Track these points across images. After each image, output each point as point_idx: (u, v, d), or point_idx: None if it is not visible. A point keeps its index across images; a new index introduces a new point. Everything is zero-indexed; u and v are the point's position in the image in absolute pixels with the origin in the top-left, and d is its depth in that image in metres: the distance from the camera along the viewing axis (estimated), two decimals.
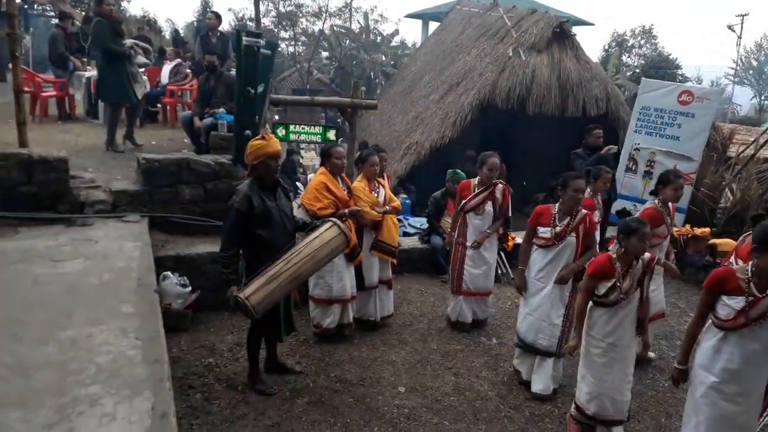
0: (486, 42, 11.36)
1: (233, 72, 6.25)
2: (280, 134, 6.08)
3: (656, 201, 4.82)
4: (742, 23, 20.93)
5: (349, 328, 5.31)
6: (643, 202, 7.51)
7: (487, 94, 9.72)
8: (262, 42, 5.56)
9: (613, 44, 28.83)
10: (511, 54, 10.03)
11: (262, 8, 20.39)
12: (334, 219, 4.25)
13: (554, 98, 9.75)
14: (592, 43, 50.07)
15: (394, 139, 11.43)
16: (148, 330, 3.42)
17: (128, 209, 5.57)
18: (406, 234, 8.00)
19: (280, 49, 24.96)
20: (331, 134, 6.26)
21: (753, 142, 9.11)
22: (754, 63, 29.43)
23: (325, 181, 4.99)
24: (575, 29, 19.96)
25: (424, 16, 23.77)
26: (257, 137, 4.17)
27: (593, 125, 7.73)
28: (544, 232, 4.41)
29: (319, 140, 6.34)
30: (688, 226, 7.36)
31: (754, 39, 31.67)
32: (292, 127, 6.29)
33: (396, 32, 26.35)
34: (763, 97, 28.60)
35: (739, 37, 21.02)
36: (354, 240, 4.96)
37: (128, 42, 7.58)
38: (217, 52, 7.68)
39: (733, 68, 26.42)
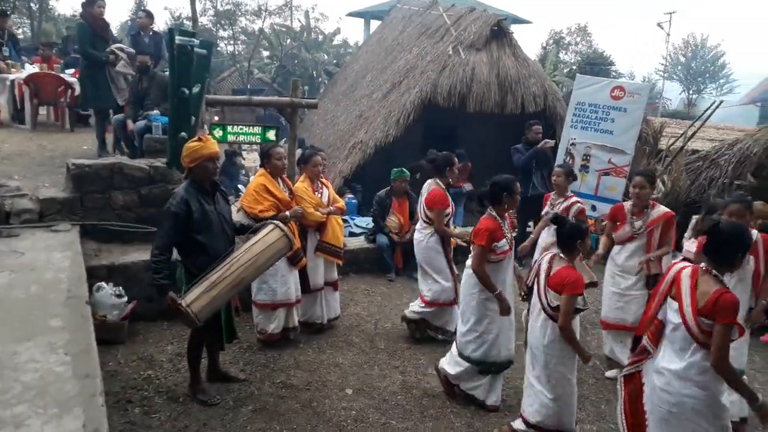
0: (426, 40, 11.45)
1: (168, 72, 6.05)
2: (217, 135, 5.92)
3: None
4: (670, 21, 21.99)
5: (294, 332, 5.23)
6: (582, 195, 7.75)
7: (429, 93, 9.79)
8: (196, 41, 5.40)
9: (551, 42, 29.65)
10: (451, 52, 10.14)
11: (199, 6, 19.94)
12: (275, 221, 4.17)
13: (494, 96, 9.91)
14: (530, 41, 51.67)
15: (339, 139, 11.38)
16: (78, 344, 3.26)
17: (57, 218, 5.32)
18: (352, 234, 7.98)
19: (218, 48, 24.47)
20: (271, 134, 6.14)
21: (681, 134, 9.51)
22: (682, 59, 30.90)
23: (264, 182, 4.88)
24: (513, 27, 20.44)
25: (366, 15, 23.80)
26: (194, 139, 4.05)
27: (533, 121, 7.96)
28: (502, 245, 4.07)
29: (259, 141, 6.22)
30: None
31: (681, 36, 33.23)
32: (229, 128, 6.13)
33: (338, 31, 26.31)
34: (691, 92, 30.08)
35: (668, 35, 22.08)
36: (297, 244, 4.88)
37: (112, 47, 7.30)
38: (149, 52, 7.41)
39: (663, 64, 27.68)
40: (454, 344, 4.47)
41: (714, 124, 15.55)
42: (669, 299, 3.05)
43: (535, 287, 3.70)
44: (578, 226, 3.69)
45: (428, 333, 5.43)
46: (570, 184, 5.84)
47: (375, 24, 21.17)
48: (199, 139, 3.97)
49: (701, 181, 7.87)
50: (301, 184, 5.24)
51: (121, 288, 4.95)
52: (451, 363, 4.38)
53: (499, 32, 10.33)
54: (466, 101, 9.85)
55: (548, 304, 3.57)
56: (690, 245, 5.24)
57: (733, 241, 2.94)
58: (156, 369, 4.56)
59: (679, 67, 30.35)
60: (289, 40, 24.33)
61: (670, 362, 2.97)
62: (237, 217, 4.59)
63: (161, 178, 5.70)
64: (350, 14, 24.83)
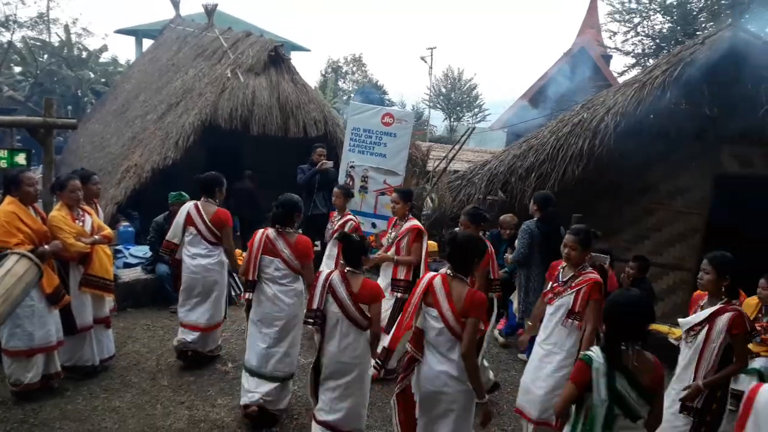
0: (204, 62, 11.17)
1: None
2: None
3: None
4: (431, 55, 24.55)
5: (57, 379, 4.63)
6: (362, 214, 8.21)
7: (209, 115, 9.53)
8: None
9: (329, 70, 31.00)
10: (230, 75, 10.03)
11: None
12: (19, 251, 3.68)
13: (276, 119, 10.03)
14: (310, 68, 53.31)
15: (110, 162, 10.46)
16: None
17: None
18: (127, 265, 7.37)
19: None
20: (21, 158, 5.42)
21: (444, 157, 10.66)
22: (443, 90, 34.68)
23: (15, 211, 4.28)
24: (293, 54, 20.96)
25: (137, 33, 22.34)
26: None
27: (318, 144, 8.32)
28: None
29: (5, 165, 5.43)
30: None
31: (442, 69, 37.28)
32: None
33: (105, 48, 24.24)
34: (452, 119, 33.85)
35: (431, 68, 24.60)
36: (55, 279, 4.36)
37: None
38: None
39: (427, 94, 30.73)
40: (247, 376, 4.37)
41: (471, 147, 17.75)
42: (425, 306, 3.33)
43: (334, 305, 3.72)
44: (361, 242, 3.90)
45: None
46: (347, 203, 6.17)
47: (147, 43, 19.98)
48: None
49: (461, 197, 8.87)
50: (58, 213, 4.64)
51: None
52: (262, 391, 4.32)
53: (277, 58, 10.50)
54: (249, 124, 9.80)
55: (362, 316, 3.68)
56: None
57: (468, 249, 3.35)
58: None
59: (441, 97, 34.01)
60: (46, 56, 21.73)
61: (440, 365, 3.25)
62: None
63: None
64: (119, 31, 23.04)
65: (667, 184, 7.88)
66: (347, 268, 3.78)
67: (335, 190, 6.19)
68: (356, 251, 3.81)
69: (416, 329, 3.36)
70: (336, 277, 3.76)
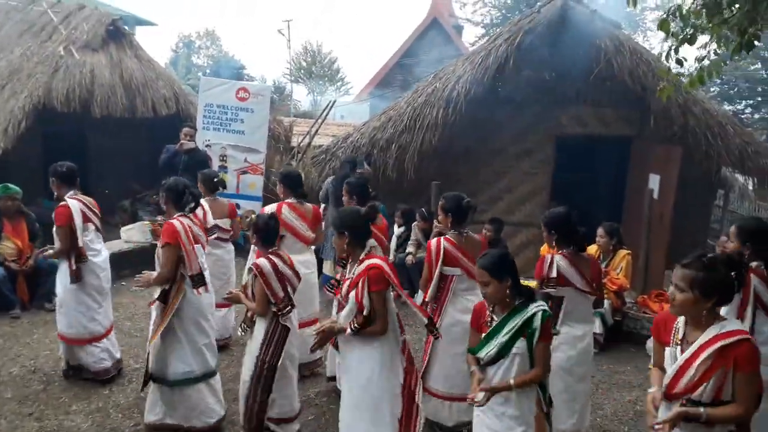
0: (32, 39, 9.99)
1: None
2: None
3: None
4: (288, 28, 23.94)
5: None
6: (224, 195, 7.89)
7: (42, 97, 8.59)
8: None
9: (181, 45, 29.28)
10: (63, 53, 9.09)
11: None
12: None
13: (121, 99, 9.27)
14: (159, 44, 49.76)
15: None
16: None
17: None
18: None
19: None
20: None
21: (308, 132, 10.54)
22: (304, 64, 34.14)
23: None
24: (138, 29, 19.47)
25: None
26: None
27: (186, 124, 7.78)
28: None
29: None
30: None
31: (300, 42, 36.63)
32: None
33: None
34: (315, 93, 33.50)
35: (289, 41, 24.01)
36: None
37: None
38: None
39: (288, 68, 30.12)
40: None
41: (336, 122, 17.73)
42: None
43: None
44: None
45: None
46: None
47: None
48: None
49: (327, 172, 8.84)
50: None
51: None
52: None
53: (116, 32, 9.69)
54: (90, 106, 8.98)
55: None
56: None
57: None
58: None
59: (302, 71, 33.46)
60: None
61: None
62: None
63: None
64: None
65: (515, 147, 8.42)
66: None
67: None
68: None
69: None
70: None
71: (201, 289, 3.86)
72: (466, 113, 7.73)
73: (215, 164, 7.99)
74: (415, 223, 7.11)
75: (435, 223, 4.37)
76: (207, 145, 8.03)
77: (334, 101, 11.03)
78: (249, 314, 3.78)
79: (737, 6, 3.92)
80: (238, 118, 8.03)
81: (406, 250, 7.01)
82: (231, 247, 5.59)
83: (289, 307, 3.71)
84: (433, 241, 4.01)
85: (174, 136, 7.60)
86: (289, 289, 3.73)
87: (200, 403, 3.96)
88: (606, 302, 5.62)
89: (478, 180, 8.49)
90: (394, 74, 19.85)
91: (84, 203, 4.61)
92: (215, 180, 5.43)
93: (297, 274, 3.87)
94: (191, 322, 3.88)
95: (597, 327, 5.52)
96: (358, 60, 62.10)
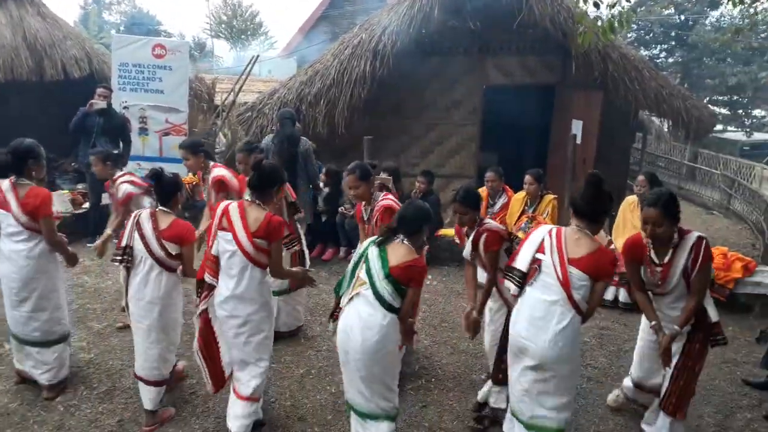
0: None
1: None
2: None
3: None
4: None
5: None
6: (147, 159, 7.58)
7: None
8: None
9: (90, 1, 27.28)
10: None
11: None
12: None
13: (26, 61, 8.60)
14: (66, 1, 45.60)
15: None
16: None
17: None
18: None
19: None
20: None
21: (232, 89, 10.17)
22: (224, 18, 32.58)
23: None
24: None
25: None
26: None
27: (101, 85, 7.26)
28: None
29: None
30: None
31: None
32: None
33: None
34: (238, 49, 32.18)
35: None
36: None
37: None
38: None
39: (208, 23, 28.69)
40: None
41: (262, 78, 17.17)
42: (220, 232, 3.33)
43: (139, 242, 3.56)
44: (175, 180, 3.73)
45: None
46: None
47: None
48: None
49: (254, 130, 8.59)
50: None
51: None
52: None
53: None
54: None
55: (166, 255, 3.55)
56: None
57: (270, 177, 3.44)
58: None
59: (223, 26, 31.98)
60: None
61: (232, 289, 3.28)
62: None
63: None
64: None
65: (444, 100, 8.46)
66: (158, 207, 3.65)
67: (92, 158, 5.07)
68: (169, 189, 3.67)
69: (212, 256, 3.37)
70: (144, 214, 3.63)
71: None
72: (395, 66, 7.66)
73: (135, 126, 7.59)
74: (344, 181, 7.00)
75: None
76: (125, 107, 7.60)
77: (257, 56, 10.64)
78: None
79: None
80: (156, 76, 7.63)
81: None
82: None
83: None
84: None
85: (90, 99, 7.15)
86: None
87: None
88: None
89: (409, 134, 8.50)
90: (320, 26, 19.31)
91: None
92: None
93: None
94: None
95: None
96: (281, 13, 59.85)
